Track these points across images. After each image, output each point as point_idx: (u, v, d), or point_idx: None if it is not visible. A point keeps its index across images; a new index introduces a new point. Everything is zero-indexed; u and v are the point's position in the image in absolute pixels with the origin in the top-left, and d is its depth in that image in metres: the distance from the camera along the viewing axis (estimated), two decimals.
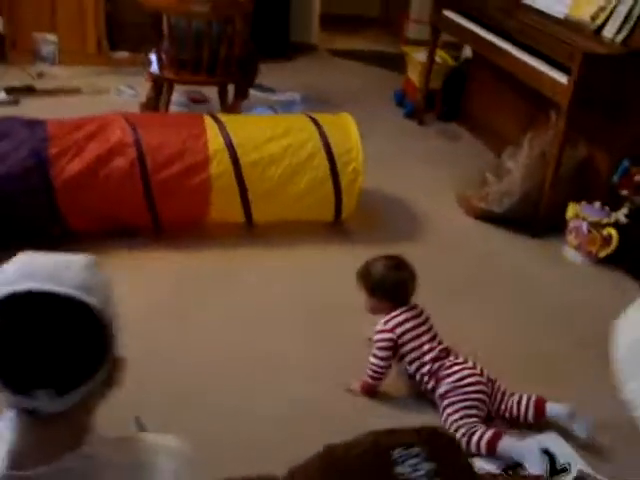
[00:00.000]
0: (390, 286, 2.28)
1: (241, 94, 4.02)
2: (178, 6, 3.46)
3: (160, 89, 3.83)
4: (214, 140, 3.02)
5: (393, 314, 2.27)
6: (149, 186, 2.95)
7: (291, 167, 3.06)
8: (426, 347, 2.24)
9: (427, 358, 2.22)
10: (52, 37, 4.94)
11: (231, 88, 3.91)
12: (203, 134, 3.03)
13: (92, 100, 4.39)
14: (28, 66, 4.88)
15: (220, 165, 3.00)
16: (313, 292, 2.83)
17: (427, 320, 2.31)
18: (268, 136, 3.09)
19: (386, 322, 2.26)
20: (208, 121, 3.09)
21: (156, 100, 3.86)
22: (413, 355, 2.24)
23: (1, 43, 4.96)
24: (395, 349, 2.25)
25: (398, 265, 2.31)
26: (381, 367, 2.25)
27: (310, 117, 3.23)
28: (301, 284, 2.88)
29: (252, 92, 4.72)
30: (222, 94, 3.82)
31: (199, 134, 3.03)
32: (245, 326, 2.59)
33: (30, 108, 4.34)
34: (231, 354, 2.43)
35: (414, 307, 2.30)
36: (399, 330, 2.24)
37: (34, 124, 2.98)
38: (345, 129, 3.18)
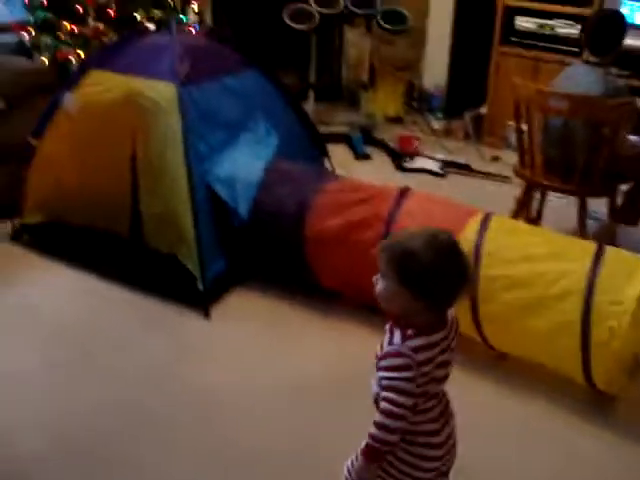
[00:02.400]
0: (445, 282, 1.54)
1: (622, 218, 3.42)
2: (536, 98, 3.18)
3: (528, 190, 3.56)
4: (464, 240, 2.74)
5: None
6: None
7: (535, 299, 2.58)
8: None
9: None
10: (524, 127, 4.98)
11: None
12: (458, 231, 2.78)
13: (511, 191, 4.29)
14: (492, 149, 5.06)
15: None
16: None
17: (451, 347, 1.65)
18: (527, 254, 2.65)
19: (407, 337, 1.56)
20: (476, 219, 2.82)
21: (522, 203, 3.59)
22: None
23: (481, 124, 5.25)
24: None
25: (456, 250, 1.57)
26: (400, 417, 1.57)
27: (600, 247, 2.61)
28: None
29: None
30: (582, 208, 3.32)
31: (454, 229, 2.78)
32: None
33: (452, 183, 4.57)
34: None
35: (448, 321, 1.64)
36: (422, 356, 1.56)
37: (321, 176, 3.22)
38: (630, 276, 2.49)
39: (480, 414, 2.56)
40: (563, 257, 2.62)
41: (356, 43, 5.73)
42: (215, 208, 3.16)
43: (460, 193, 4.29)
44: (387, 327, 1.63)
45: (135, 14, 4.41)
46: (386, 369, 1.57)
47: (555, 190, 3.48)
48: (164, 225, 3.21)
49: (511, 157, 4.98)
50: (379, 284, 1.60)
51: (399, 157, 4.84)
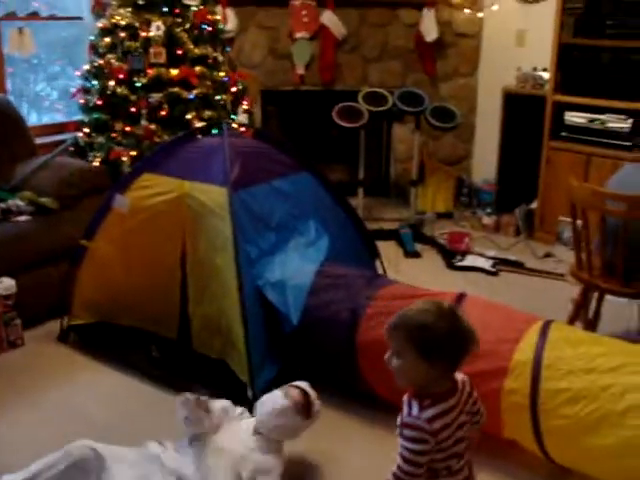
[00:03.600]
0: (458, 344, 1.77)
1: None
2: (592, 199, 3.14)
3: (585, 293, 3.48)
4: (523, 351, 2.67)
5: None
6: None
7: (600, 413, 2.47)
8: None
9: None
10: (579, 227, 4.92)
11: None
12: (517, 341, 2.71)
13: (565, 291, 4.20)
14: (544, 245, 5.02)
15: (517, 381, 2.63)
16: None
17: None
18: (590, 366, 2.56)
19: (424, 407, 1.78)
20: (535, 328, 2.74)
21: (580, 306, 3.51)
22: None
23: (532, 219, 5.22)
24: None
25: (459, 316, 1.81)
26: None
27: None
28: None
29: None
30: None
31: (513, 339, 2.72)
32: None
33: (504, 282, 4.49)
34: None
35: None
36: (438, 424, 1.77)
37: (373, 281, 3.18)
38: None
39: None
40: (628, 368, 2.52)
41: (404, 139, 5.80)
42: (266, 313, 3.14)
43: (513, 292, 4.22)
44: (405, 399, 1.81)
45: (187, 114, 4.51)
46: (404, 437, 1.76)
47: (615, 294, 3.38)
48: (213, 329, 3.20)
49: (563, 253, 4.93)
50: (394, 362, 1.79)
51: (450, 255, 4.79)
